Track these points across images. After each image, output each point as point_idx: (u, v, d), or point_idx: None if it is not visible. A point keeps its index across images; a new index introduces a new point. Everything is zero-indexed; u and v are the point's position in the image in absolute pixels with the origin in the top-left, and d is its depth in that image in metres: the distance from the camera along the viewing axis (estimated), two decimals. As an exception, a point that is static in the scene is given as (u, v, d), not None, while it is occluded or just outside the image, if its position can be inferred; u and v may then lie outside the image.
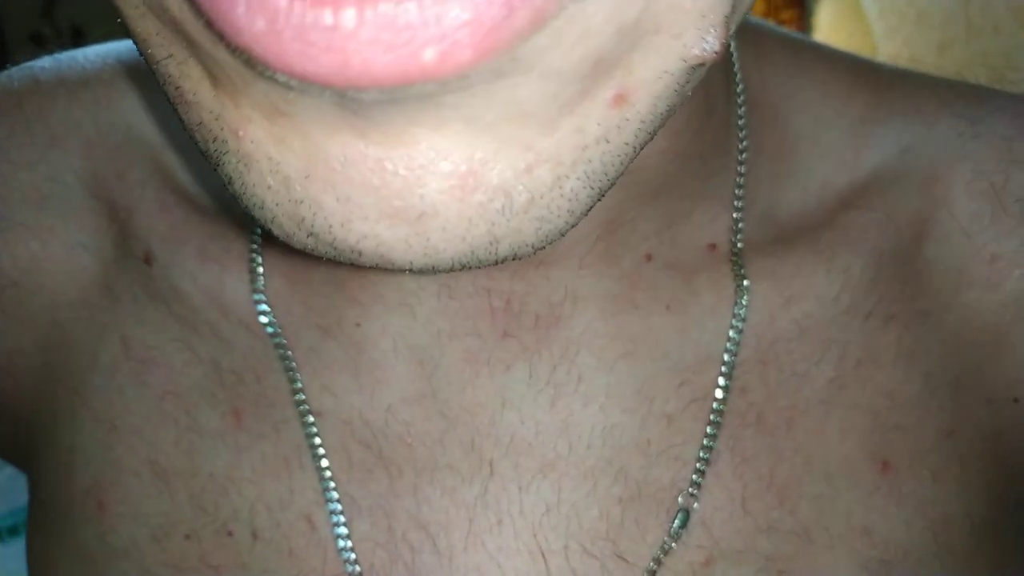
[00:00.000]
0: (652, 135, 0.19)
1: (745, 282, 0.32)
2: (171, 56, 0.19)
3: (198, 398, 0.32)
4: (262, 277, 0.32)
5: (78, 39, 1.65)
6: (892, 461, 0.31)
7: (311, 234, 0.18)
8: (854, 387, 0.31)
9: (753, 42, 0.34)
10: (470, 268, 0.19)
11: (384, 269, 0.19)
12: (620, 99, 0.18)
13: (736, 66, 0.33)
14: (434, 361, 0.31)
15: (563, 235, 0.20)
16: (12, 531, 1.16)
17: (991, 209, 0.32)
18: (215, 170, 0.19)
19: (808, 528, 0.30)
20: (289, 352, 0.32)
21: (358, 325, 0.32)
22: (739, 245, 0.32)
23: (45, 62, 0.36)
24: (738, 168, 0.33)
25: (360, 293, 0.32)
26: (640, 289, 0.31)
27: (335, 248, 0.19)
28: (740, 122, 0.33)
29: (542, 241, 0.19)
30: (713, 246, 0.32)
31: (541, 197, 0.18)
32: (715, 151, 0.32)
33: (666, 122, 0.20)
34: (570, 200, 0.19)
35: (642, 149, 0.20)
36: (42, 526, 0.34)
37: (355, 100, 0.16)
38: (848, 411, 0.31)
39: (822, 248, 0.32)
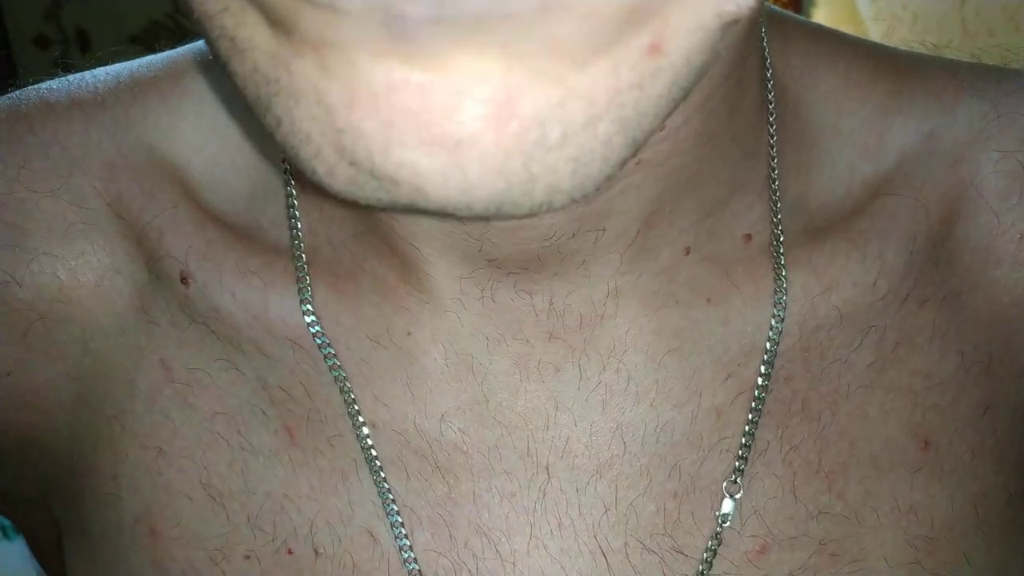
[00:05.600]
0: (686, 92, 0.20)
1: (783, 272, 0.32)
2: (226, 9, 0.19)
3: (248, 417, 0.32)
4: (309, 288, 0.32)
5: (83, 42, 1.66)
6: (932, 439, 0.32)
7: (352, 162, 0.19)
8: (893, 369, 0.32)
9: (778, 29, 0.34)
10: (507, 218, 0.20)
11: (421, 210, 0.20)
12: (655, 48, 0.19)
13: (767, 50, 0.33)
14: (484, 368, 0.31)
15: (598, 188, 0.20)
16: (17, 529, 1.16)
17: (1019, 188, 0.32)
18: (263, 120, 0.20)
19: (857, 510, 0.31)
20: (339, 364, 0.32)
21: (409, 334, 0.32)
22: (777, 234, 0.32)
23: (53, 84, 0.35)
24: (771, 154, 0.33)
25: (407, 299, 0.31)
26: (679, 283, 0.31)
27: (374, 177, 0.19)
28: (770, 107, 0.33)
29: (577, 188, 0.20)
30: (749, 236, 0.32)
31: (575, 135, 0.19)
32: (748, 136, 0.32)
33: (700, 81, 0.20)
34: (604, 144, 0.19)
35: (676, 107, 0.20)
36: (87, 558, 0.34)
37: (401, 20, 0.17)
38: (888, 393, 0.32)
39: (855, 236, 0.32)
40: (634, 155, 0.20)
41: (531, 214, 0.20)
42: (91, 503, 0.33)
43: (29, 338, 0.32)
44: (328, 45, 0.18)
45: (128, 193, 0.33)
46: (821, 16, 1.39)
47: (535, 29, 0.17)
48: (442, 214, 0.20)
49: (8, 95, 0.35)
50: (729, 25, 0.19)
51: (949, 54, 0.37)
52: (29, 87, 0.35)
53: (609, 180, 0.20)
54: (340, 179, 0.20)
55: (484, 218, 0.20)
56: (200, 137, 0.33)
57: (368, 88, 0.18)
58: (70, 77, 0.35)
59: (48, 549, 0.40)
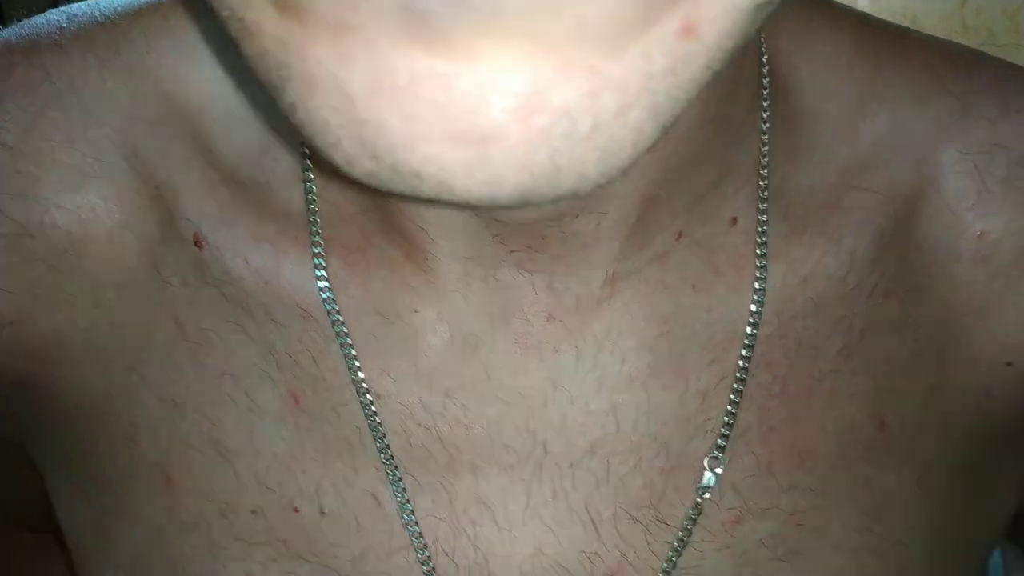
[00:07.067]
0: (715, 76, 0.20)
1: (764, 262, 0.33)
2: None
3: (255, 380, 0.33)
4: (324, 257, 0.32)
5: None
6: (887, 419, 0.34)
7: (374, 156, 0.18)
8: (858, 356, 0.34)
9: None
10: (532, 206, 0.19)
11: (443, 202, 0.19)
12: (688, 31, 0.18)
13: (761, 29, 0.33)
14: (487, 346, 0.32)
15: (623, 173, 0.20)
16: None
17: (976, 188, 0.33)
18: (277, 102, 0.19)
19: (823, 484, 0.33)
20: (347, 333, 0.32)
21: (416, 311, 0.32)
22: (762, 220, 0.33)
23: (62, 21, 0.33)
24: (761, 138, 0.33)
25: (412, 278, 0.32)
26: (668, 269, 0.32)
27: (397, 172, 0.18)
28: (765, 92, 0.33)
29: (603, 176, 0.19)
30: (734, 220, 0.33)
31: (605, 125, 0.18)
32: (743, 118, 0.32)
33: (728, 62, 0.20)
34: (634, 131, 0.19)
35: (702, 89, 0.20)
36: (92, 501, 0.35)
37: (420, 3, 0.16)
38: (853, 378, 0.34)
39: (831, 231, 0.33)
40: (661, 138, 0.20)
41: (556, 201, 0.20)
42: (105, 447, 0.34)
43: (38, 288, 0.32)
44: (348, 29, 0.17)
45: (144, 147, 0.32)
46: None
47: (562, 12, 0.17)
48: (466, 206, 0.19)
49: (16, 29, 0.33)
50: (764, 6, 0.19)
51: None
52: (33, 20, 0.34)
53: (634, 164, 0.20)
54: (359, 170, 0.19)
55: (508, 208, 0.20)
56: (215, 86, 0.33)
57: (391, 77, 0.17)
58: (75, 10, 0.34)
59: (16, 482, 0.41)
